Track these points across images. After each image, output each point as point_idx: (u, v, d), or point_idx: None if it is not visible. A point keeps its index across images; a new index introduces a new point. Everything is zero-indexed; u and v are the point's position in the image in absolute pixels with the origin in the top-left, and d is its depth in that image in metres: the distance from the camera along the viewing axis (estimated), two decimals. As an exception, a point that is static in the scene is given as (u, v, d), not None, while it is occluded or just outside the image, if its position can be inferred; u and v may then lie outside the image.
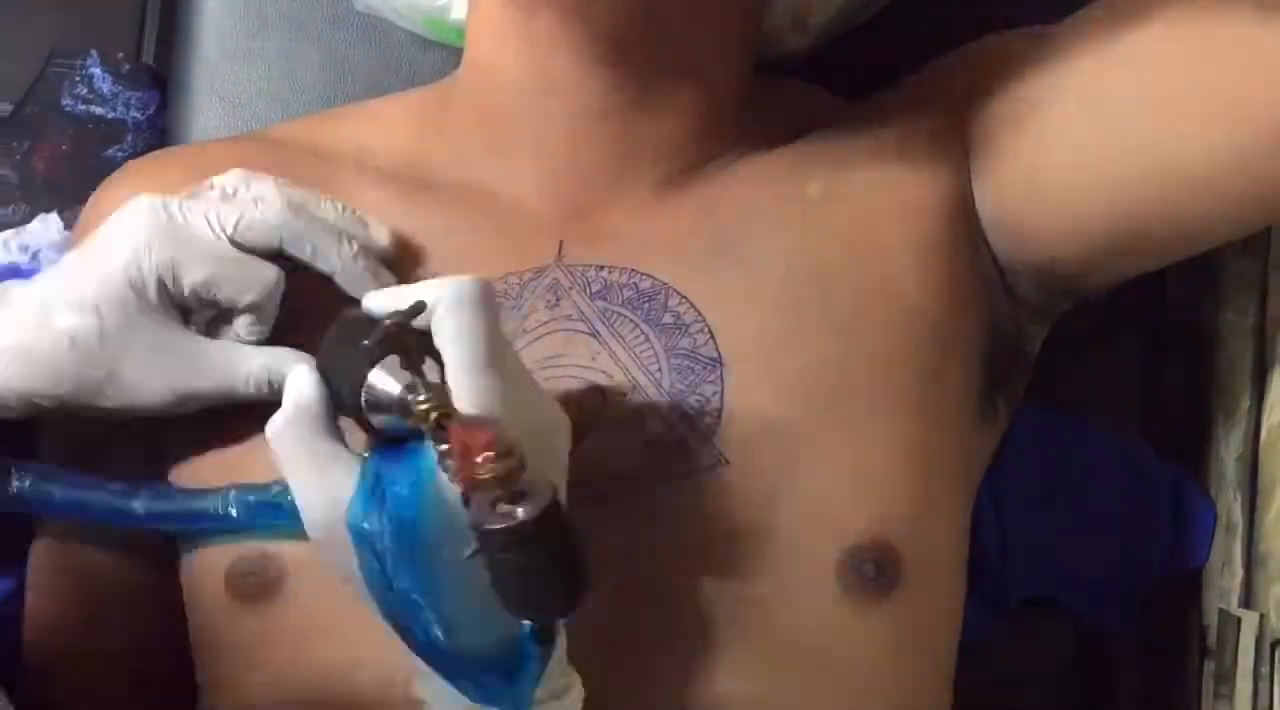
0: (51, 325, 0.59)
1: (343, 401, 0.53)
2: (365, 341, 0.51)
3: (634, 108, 0.66)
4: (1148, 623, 0.82)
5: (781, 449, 0.61)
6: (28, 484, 0.62)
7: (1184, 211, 0.62)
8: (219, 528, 0.61)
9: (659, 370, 0.62)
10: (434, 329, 0.53)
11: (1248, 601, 0.76)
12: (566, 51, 0.64)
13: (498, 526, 0.46)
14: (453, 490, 0.48)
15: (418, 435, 0.50)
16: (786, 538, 0.60)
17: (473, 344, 0.51)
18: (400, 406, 0.50)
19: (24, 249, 0.84)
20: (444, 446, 0.48)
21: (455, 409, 0.49)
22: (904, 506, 0.62)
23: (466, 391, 0.50)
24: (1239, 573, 0.77)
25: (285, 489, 0.55)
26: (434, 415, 0.48)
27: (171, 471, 0.65)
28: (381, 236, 0.65)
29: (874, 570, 0.60)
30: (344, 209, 0.64)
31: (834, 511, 0.61)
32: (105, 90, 0.86)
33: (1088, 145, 0.63)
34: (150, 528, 0.63)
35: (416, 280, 0.63)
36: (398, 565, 0.49)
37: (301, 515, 0.52)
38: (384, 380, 0.51)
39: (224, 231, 0.61)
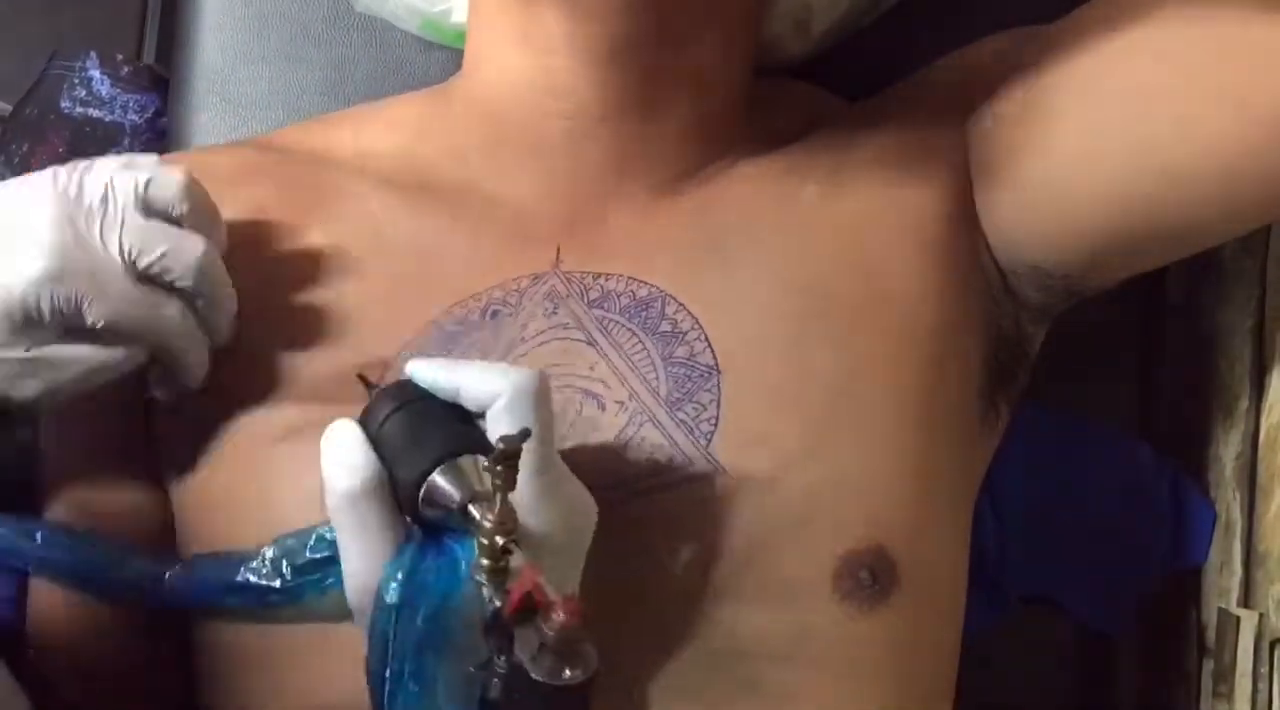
0: None
1: (394, 481, 0.53)
2: (434, 442, 0.52)
3: (633, 110, 0.65)
4: (1148, 623, 0.82)
5: (777, 456, 0.60)
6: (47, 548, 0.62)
7: (1183, 209, 0.62)
8: (261, 603, 0.59)
9: (656, 379, 0.62)
10: (494, 422, 0.53)
11: (1247, 601, 0.76)
12: (567, 51, 0.64)
13: (540, 677, 0.47)
14: (480, 602, 0.49)
15: (458, 531, 0.51)
16: (782, 544, 0.60)
17: (539, 453, 0.52)
18: (459, 515, 0.50)
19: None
20: (497, 575, 0.49)
21: (519, 535, 0.49)
22: (901, 512, 0.62)
23: (530, 508, 0.51)
24: (1238, 572, 0.77)
25: (327, 538, 0.56)
26: (500, 540, 0.49)
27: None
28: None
29: (869, 577, 0.60)
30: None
31: (830, 519, 0.60)
32: (103, 93, 0.86)
33: (1087, 143, 0.63)
34: (180, 605, 0.62)
35: (420, 285, 0.64)
36: (403, 649, 0.50)
37: (344, 577, 0.53)
38: (447, 483, 0.51)
39: (134, 264, 0.58)
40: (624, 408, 0.61)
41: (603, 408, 0.61)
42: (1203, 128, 0.59)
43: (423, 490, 0.51)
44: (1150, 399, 0.84)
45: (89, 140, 0.85)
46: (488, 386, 0.53)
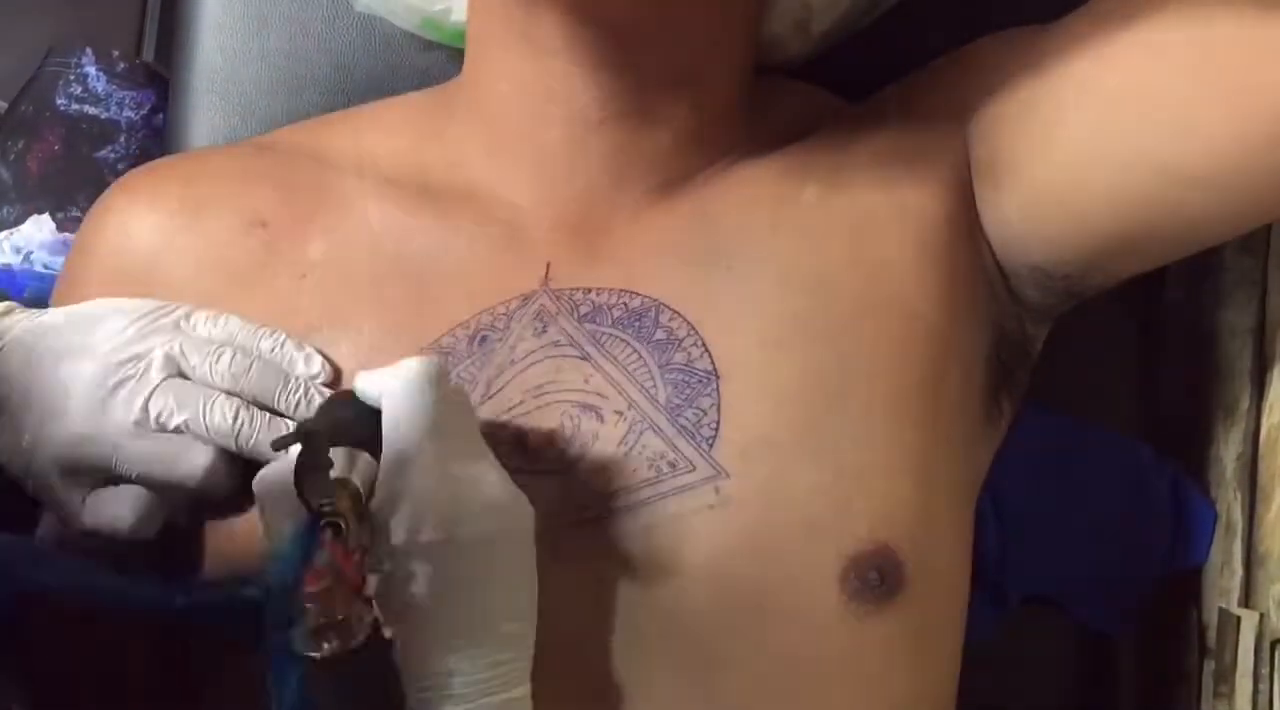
0: None
1: None
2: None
3: (632, 115, 0.65)
4: (1148, 623, 0.82)
5: (780, 459, 0.60)
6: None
7: (1184, 209, 0.62)
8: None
9: (654, 386, 0.62)
10: (385, 418, 0.54)
11: (1247, 601, 0.76)
12: (567, 54, 0.64)
13: (300, 650, 0.48)
14: None
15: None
16: (788, 547, 0.60)
17: (393, 439, 0.53)
18: (299, 495, 0.51)
19: (16, 250, 0.84)
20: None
21: (347, 512, 0.50)
22: (906, 512, 0.61)
23: (381, 490, 0.52)
24: (1239, 572, 0.77)
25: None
26: (325, 515, 0.50)
27: None
28: (314, 366, 0.64)
29: (877, 578, 0.60)
30: (281, 343, 0.64)
31: (835, 520, 0.60)
32: (100, 90, 0.86)
33: (1088, 144, 0.62)
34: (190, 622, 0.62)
35: (409, 314, 0.65)
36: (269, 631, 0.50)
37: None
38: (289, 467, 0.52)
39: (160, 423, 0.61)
40: (623, 417, 0.61)
41: (601, 419, 0.61)
42: (1202, 127, 0.59)
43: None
44: (1150, 399, 0.84)
45: (85, 137, 0.85)
46: (377, 387, 0.55)
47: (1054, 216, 0.65)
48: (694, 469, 0.60)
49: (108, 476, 0.61)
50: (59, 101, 0.85)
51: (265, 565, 0.52)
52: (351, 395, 0.56)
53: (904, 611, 0.60)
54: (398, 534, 0.52)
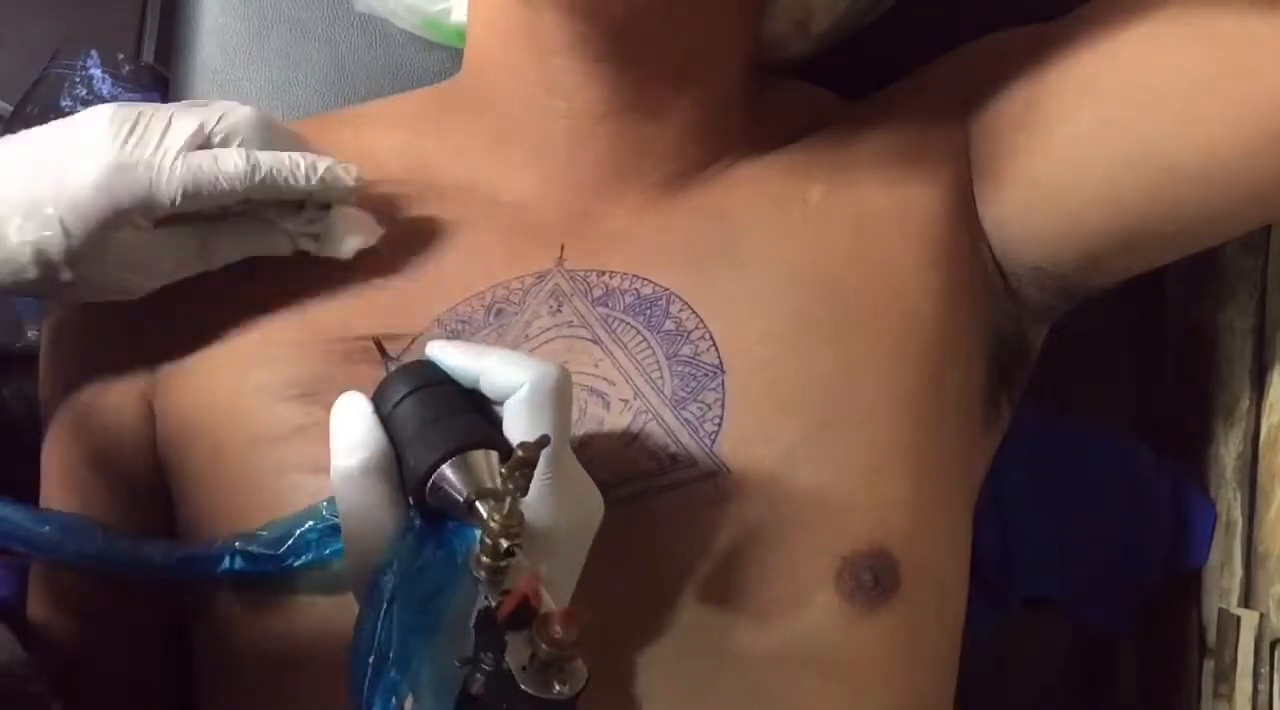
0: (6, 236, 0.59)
1: (401, 465, 0.53)
2: (448, 433, 0.52)
3: (634, 109, 0.66)
4: (1148, 623, 0.82)
5: (781, 456, 0.60)
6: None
7: (1183, 207, 0.62)
8: (255, 571, 0.60)
9: (661, 378, 0.62)
10: (510, 414, 0.53)
11: (1247, 601, 0.76)
12: (569, 51, 0.64)
13: (528, 689, 0.46)
14: (474, 597, 0.49)
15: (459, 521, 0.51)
16: (785, 545, 0.60)
17: (550, 450, 0.51)
18: (465, 509, 0.50)
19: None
20: (496, 574, 0.49)
21: (524, 538, 0.49)
22: (903, 513, 0.61)
23: (534, 505, 0.51)
24: (1239, 572, 0.77)
25: (281, 535, 0.58)
26: (504, 542, 0.48)
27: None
28: (350, 175, 0.63)
29: (871, 578, 0.60)
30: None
31: (832, 519, 0.60)
32: (105, 92, 0.86)
33: (1088, 141, 0.63)
34: (166, 577, 0.63)
35: (423, 283, 0.64)
36: (389, 637, 0.49)
37: (344, 550, 0.53)
38: (456, 476, 0.51)
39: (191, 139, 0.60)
40: (629, 406, 0.61)
41: (608, 406, 0.61)
42: (1203, 127, 0.59)
43: (430, 480, 0.51)
44: (1150, 399, 0.84)
45: (88, 139, 0.85)
46: (508, 377, 0.53)
47: (1054, 215, 0.65)
48: (694, 464, 0.60)
49: (146, 213, 0.60)
50: (64, 103, 0.85)
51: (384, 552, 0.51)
52: (428, 364, 0.55)
53: (898, 612, 0.60)
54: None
